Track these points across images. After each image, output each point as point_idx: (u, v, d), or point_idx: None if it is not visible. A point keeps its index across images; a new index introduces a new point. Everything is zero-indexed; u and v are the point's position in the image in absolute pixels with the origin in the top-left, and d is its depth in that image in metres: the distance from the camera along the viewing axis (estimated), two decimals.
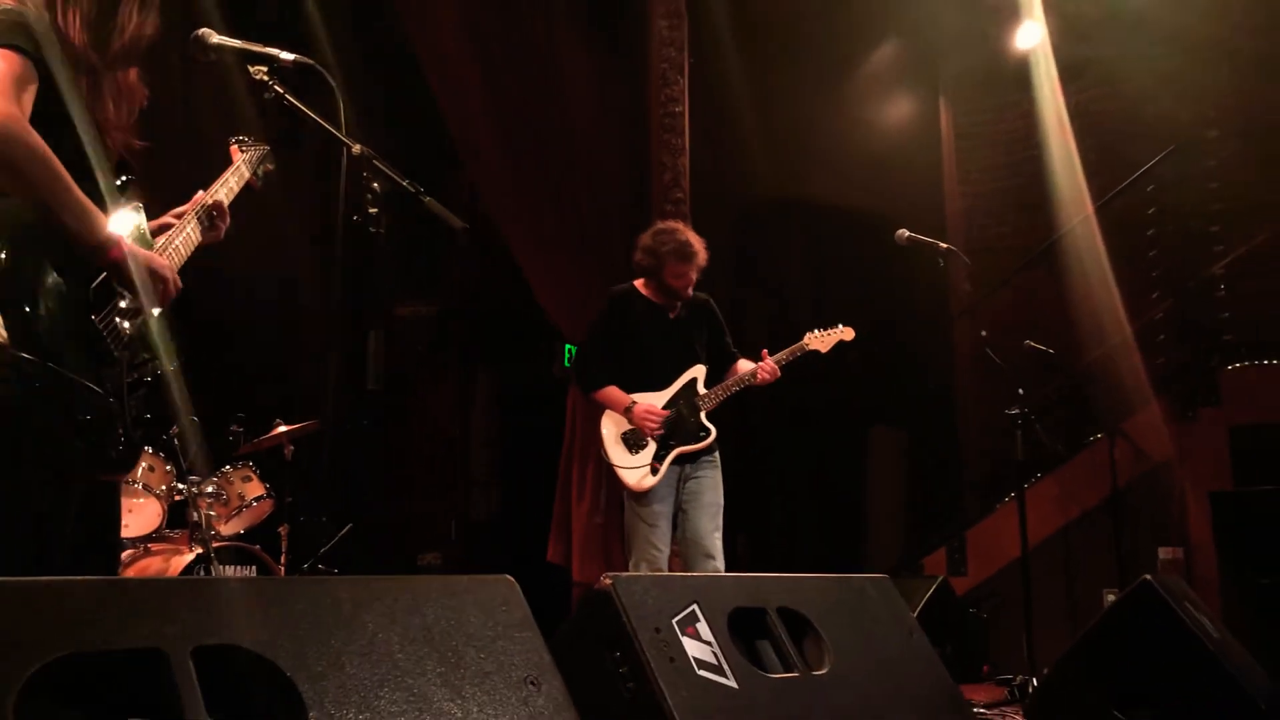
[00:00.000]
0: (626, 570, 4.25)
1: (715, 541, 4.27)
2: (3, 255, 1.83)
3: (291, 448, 5.32)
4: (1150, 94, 6.68)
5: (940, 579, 5.43)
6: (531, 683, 1.46)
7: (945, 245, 4.32)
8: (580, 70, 6.70)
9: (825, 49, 7.58)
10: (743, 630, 2.35)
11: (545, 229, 6.42)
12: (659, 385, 4.39)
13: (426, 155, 7.46)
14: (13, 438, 1.85)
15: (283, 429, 5.21)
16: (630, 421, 4.30)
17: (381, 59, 7.10)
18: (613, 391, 4.36)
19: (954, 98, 7.52)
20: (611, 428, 4.37)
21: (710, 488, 4.35)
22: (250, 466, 5.16)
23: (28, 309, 1.82)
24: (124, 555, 4.66)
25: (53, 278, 1.89)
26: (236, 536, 5.05)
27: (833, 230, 7.80)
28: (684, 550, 4.33)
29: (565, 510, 6.46)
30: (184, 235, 2.22)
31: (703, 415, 4.35)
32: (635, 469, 4.25)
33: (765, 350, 4.36)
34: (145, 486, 4.67)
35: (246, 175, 2.46)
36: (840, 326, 4.47)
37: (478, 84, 6.19)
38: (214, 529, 4.84)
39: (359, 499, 7.19)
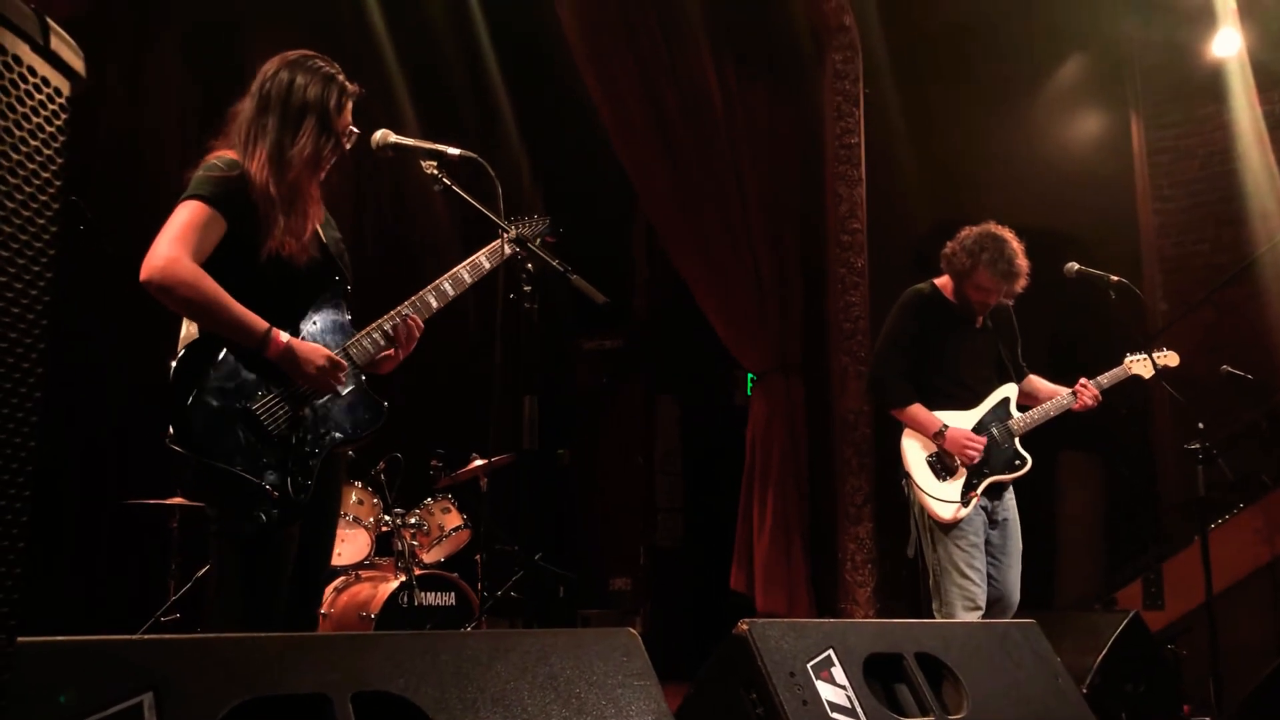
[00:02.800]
0: (937, 611, 3.86)
1: (1018, 594, 3.96)
2: (175, 362, 2.33)
3: (486, 480, 5.66)
4: None
5: (1132, 614, 5.23)
6: None
7: (1115, 278, 4.22)
8: (751, 107, 6.87)
9: (1006, 68, 7.46)
10: (881, 675, 2.45)
11: (721, 264, 6.61)
12: (965, 403, 4.01)
13: (608, 198, 7.80)
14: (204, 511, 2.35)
15: (479, 463, 5.55)
16: (941, 448, 3.91)
17: (563, 107, 7.48)
18: (920, 411, 3.94)
19: (1145, 111, 7.25)
20: (917, 449, 3.97)
21: (1016, 533, 4.00)
22: (449, 498, 5.54)
23: (188, 406, 2.28)
24: (337, 581, 5.11)
25: (214, 376, 2.34)
26: (437, 564, 5.41)
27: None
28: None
29: (746, 539, 6.60)
30: (371, 339, 2.60)
31: (1017, 441, 4.00)
32: (946, 501, 3.85)
33: (1083, 377, 4.06)
34: (355, 519, 5.10)
35: (508, 252, 2.76)
36: (1165, 350, 4.19)
37: (652, 128, 6.46)
38: (417, 557, 5.24)
39: (551, 527, 7.55)
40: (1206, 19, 6.71)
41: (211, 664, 1.33)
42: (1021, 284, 3.94)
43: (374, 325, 2.61)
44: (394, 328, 2.62)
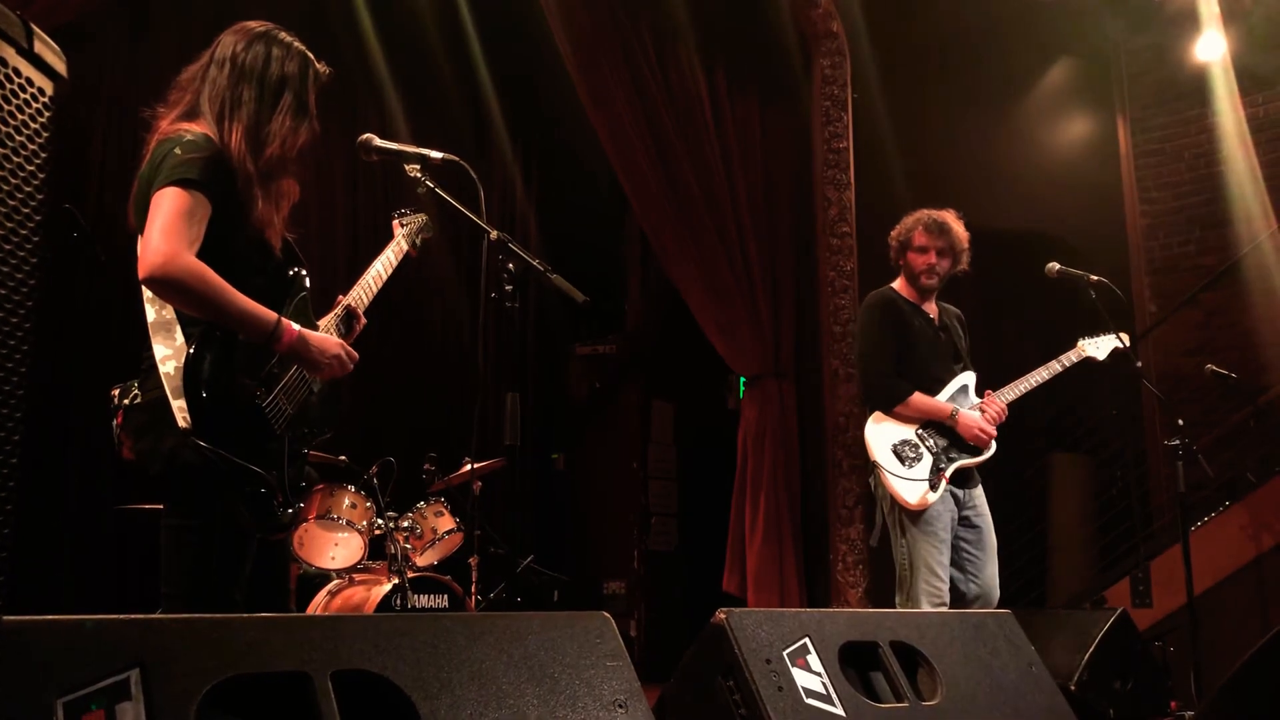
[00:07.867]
0: (901, 605, 3.79)
1: (997, 591, 3.93)
2: (190, 352, 2.17)
3: (480, 484, 5.70)
4: None
5: (1119, 611, 5.29)
6: (620, 705, 1.70)
7: (1095, 278, 4.29)
8: (741, 113, 6.94)
9: (994, 73, 7.54)
10: (857, 663, 2.50)
11: (713, 269, 6.67)
12: (930, 391, 4.03)
13: (601, 205, 7.87)
14: (199, 502, 2.23)
15: (470, 466, 5.59)
16: (958, 429, 3.93)
17: (555, 116, 7.56)
18: (925, 400, 3.96)
19: (1131, 114, 7.33)
20: (881, 438, 3.95)
21: (990, 531, 3.99)
22: (442, 502, 5.57)
23: (204, 398, 2.15)
24: (331, 585, 5.15)
25: (226, 370, 2.21)
26: (430, 567, 5.45)
27: (1008, 255, 7.70)
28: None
29: (739, 542, 6.65)
30: (338, 329, 2.55)
31: None
32: (914, 482, 3.82)
33: (989, 390, 4.09)
34: (349, 522, 5.13)
35: (405, 247, 2.79)
36: (1115, 332, 4.25)
37: (644, 135, 6.52)
38: (410, 560, 5.27)
39: (545, 530, 7.60)
40: (1191, 23, 6.80)
41: (195, 642, 1.38)
42: (956, 238, 4.11)
43: (331, 316, 2.56)
44: (347, 316, 2.58)
